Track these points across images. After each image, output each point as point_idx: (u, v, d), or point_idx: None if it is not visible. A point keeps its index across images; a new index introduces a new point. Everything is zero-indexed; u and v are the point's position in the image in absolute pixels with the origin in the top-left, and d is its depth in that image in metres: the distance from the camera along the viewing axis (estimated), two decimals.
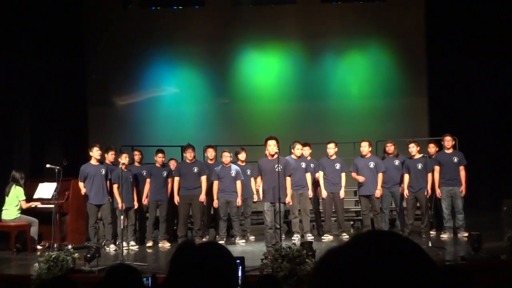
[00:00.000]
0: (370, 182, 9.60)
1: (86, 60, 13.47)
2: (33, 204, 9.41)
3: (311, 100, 13.83)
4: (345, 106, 13.87)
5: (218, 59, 13.96)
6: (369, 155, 9.77)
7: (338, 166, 9.78)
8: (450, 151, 9.53)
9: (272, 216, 8.15)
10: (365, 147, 9.75)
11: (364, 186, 9.64)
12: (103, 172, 9.19)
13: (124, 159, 9.15)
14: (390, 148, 10.02)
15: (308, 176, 9.75)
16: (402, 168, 9.67)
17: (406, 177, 9.57)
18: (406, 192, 9.54)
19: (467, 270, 6.92)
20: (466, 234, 8.56)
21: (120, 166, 8.71)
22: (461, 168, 9.37)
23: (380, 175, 9.59)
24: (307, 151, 10.01)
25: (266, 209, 8.15)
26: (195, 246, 2.06)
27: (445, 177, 9.39)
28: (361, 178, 9.59)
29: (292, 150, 9.91)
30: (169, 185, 9.66)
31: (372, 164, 9.67)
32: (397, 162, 9.78)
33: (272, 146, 8.15)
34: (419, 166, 9.53)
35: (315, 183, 9.90)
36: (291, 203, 8.77)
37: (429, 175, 9.46)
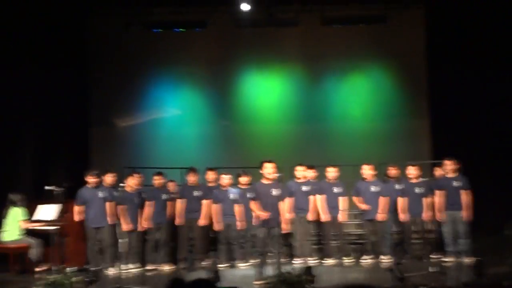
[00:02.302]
0: (373, 206, 9.56)
1: (88, 81, 13.50)
2: (30, 225, 9.37)
3: (313, 122, 13.82)
4: (347, 128, 13.85)
5: (220, 81, 13.99)
6: (372, 178, 9.74)
7: (336, 190, 9.75)
8: (451, 175, 9.47)
9: (265, 243, 8.02)
10: (367, 170, 9.74)
11: (367, 210, 9.60)
12: (100, 195, 9.21)
13: (129, 181, 9.23)
14: (392, 171, 10.00)
15: (311, 199, 9.71)
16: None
17: (400, 201, 9.55)
18: (402, 216, 9.51)
19: None
20: (469, 259, 8.52)
21: (121, 187, 8.78)
22: (463, 192, 9.31)
23: (382, 199, 9.56)
24: (311, 173, 9.98)
25: (260, 235, 8.05)
26: (186, 284, 2.04)
27: (447, 201, 9.35)
28: (363, 206, 9.55)
29: (294, 173, 9.89)
30: (169, 208, 9.63)
31: (373, 188, 9.65)
32: (398, 186, 9.75)
33: (268, 169, 8.07)
34: (417, 190, 9.51)
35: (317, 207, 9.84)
36: (286, 230, 8.61)
37: (426, 199, 9.43)
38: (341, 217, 9.71)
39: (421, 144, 13.58)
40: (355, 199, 9.74)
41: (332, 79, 14.12)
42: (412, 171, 9.66)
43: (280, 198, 8.02)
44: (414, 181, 9.64)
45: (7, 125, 11.01)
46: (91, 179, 9.27)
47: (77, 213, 9.16)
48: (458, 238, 9.24)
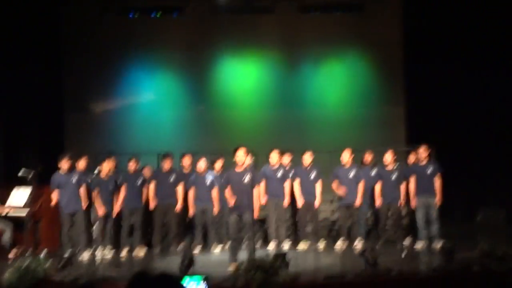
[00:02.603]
0: (350, 192, 9.62)
1: (62, 66, 13.34)
2: (5, 210, 9.29)
3: (289, 108, 13.84)
4: (323, 114, 13.90)
5: (196, 67, 13.92)
6: (350, 164, 9.79)
7: (312, 175, 9.79)
8: (424, 162, 9.58)
9: (236, 229, 8.07)
10: (346, 156, 9.78)
11: (344, 196, 9.66)
12: (74, 180, 9.15)
13: (104, 166, 9.19)
14: (367, 158, 10.08)
15: (286, 184, 9.74)
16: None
17: (377, 186, 9.65)
18: (378, 201, 9.61)
19: (440, 282, 7.01)
20: (440, 244, 8.64)
21: (94, 173, 8.73)
22: (436, 178, 9.43)
23: (360, 185, 9.63)
24: (287, 158, 10.00)
25: (231, 221, 8.08)
26: (150, 279, 2.04)
27: (420, 187, 9.45)
28: (342, 192, 9.61)
29: (269, 159, 9.91)
30: (144, 193, 9.62)
31: (352, 174, 9.71)
32: (373, 173, 9.84)
33: (240, 157, 8.05)
34: (393, 176, 9.61)
35: (292, 192, 9.89)
36: (258, 217, 8.64)
37: (402, 185, 9.54)
38: (317, 202, 9.76)
39: (396, 131, 13.70)
40: (334, 184, 9.78)
41: (309, 66, 14.15)
42: (388, 157, 9.73)
43: (252, 184, 8.03)
44: (390, 167, 9.73)
45: None
46: (64, 164, 9.20)
47: (54, 197, 9.07)
48: (430, 224, 9.36)
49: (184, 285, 2.16)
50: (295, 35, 13.95)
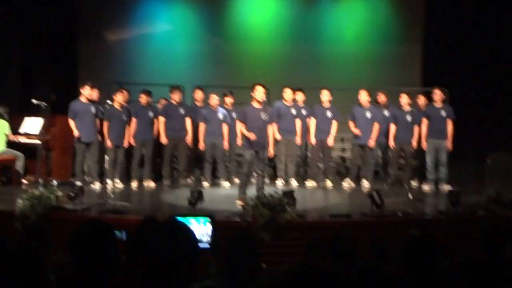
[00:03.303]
0: (366, 132, 9.59)
1: None
2: (18, 137, 9.40)
3: (305, 43, 13.62)
4: (339, 50, 13.67)
5: None
6: (366, 104, 9.71)
7: (329, 114, 9.74)
8: (439, 104, 9.47)
9: (252, 165, 8.11)
10: (363, 96, 9.69)
11: (359, 135, 9.63)
12: (93, 110, 9.14)
13: (120, 97, 9.17)
14: (381, 98, 10.00)
15: (298, 122, 9.73)
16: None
17: (393, 127, 9.60)
18: (392, 142, 9.59)
19: (445, 225, 7.08)
20: (448, 187, 8.68)
21: (107, 103, 8.71)
22: (449, 122, 9.35)
23: (376, 125, 9.58)
24: (300, 96, 9.95)
25: (248, 157, 8.10)
26: (158, 224, 2.07)
27: (432, 130, 9.39)
28: (357, 132, 9.57)
29: (283, 95, 9.86)
30: (155, 126, 9.64)
31: (369, 114, 9.64)
32: (386, 113, 9.78)
33: (260, 93, 8.00)
34: (408, 118, 9.54)
35: (305, 129, 9.87)
36: (272, 155, 8.68)
37: (416, 127, 9.48)
38: (331, 141, 9.76)
39: (412, 70, 13.49)
40: (351, 123, 9.72)
41: (327, 0, 13.84)
42: (404, 100, 9.64)
43: (269, 122, 8.02)
44: (405, 108, 9.64)
45: None
46: (87, 91, 9.10)
47: (74, 127, 8.99)
48: (439, 166, 9.36)
49: (191, 227, 2.20)
50: None
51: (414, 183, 9.59)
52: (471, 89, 11.70)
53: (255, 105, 8.05)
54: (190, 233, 2.17)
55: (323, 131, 9.71)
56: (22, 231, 6.39)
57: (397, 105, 9.81)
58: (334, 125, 9.72)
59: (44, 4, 11.65)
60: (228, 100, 9.84)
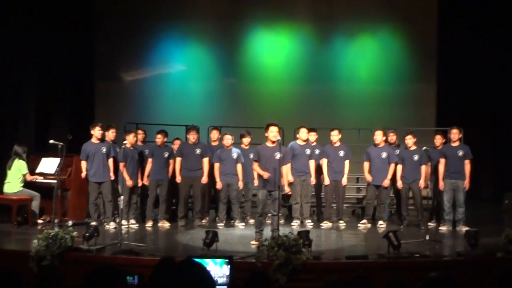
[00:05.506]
0: (381, 172, 9.55)
1: (94, 34, 13.44)
2: (35, 177, 9.46)
3: (319, 83, 13.74)
4: (353, 90, 13.76)
5: (227, 38, 13.89)
6: (382, 144, 9.70)
7: (342, 153, 9.73)
8: (456, 144, 9.44)
9: (265, 205, 8.08)
10: (378, 136, 9.69)
11: (375, 176, 9.59)
12: (104, 150, 9.22)
13: (131, 138, 9.25)
14: (392, 137, 9.98)
15: (312, 162, 9.72)
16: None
17: (399, 167, 9.54)
18: (399, 182, 9.52)
19: (463, 266, 6.96)
20: (465, 228, 8.56)
21: (123, 144, 8.80)
22: (466, 162, 9.29)
23: (391, 166, 9.55)
24: (313, 136, 9.97)
25: (261, 197, 8.08)
26: (175, 264, 2.06)
27: (449, 170, 9.33)
28: (369, 178, 9.55)
29: (298, 135, 9.87)
30: (171, 166, 9.67)
31: (384, 154, 9.61)
32: (396, 153, 9.75)
33: (274, 133, 8.03)
34: (415, 157, 9.49)
35: (318, 170, 9.86)
36: (289, 192, 8.64)
37: (423, 167, 9.43)
38: (345, 181, 9.73)
39: (426, 110, 13.51)
40: (365, 164, 9.70)
41: (340, 40, 14.00)
42: (409, 141, 9.61)
43: (283, 162, 8.02)
44: (412, 148, 9.61)
45: (12, 77, 11.00)
46: (96, 133, 9.25)
47: (84, 167, 9.13)
48: (456, 207, 9.26)
49: (208, 268, 2.19)
50: (328, 8, 13.78)
51: (430, 224, 9.48)
52: (488, 128, 11.64)
53: (269, 144, 8.08)
54: (207, 274, 2.16)
55: (337, 171, 9.70)
56: (36, 272, 6.37)
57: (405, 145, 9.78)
58: (347, 164, 9.71)
59: (62, 45, 11.87)
60: (245, 140, 9.86)
